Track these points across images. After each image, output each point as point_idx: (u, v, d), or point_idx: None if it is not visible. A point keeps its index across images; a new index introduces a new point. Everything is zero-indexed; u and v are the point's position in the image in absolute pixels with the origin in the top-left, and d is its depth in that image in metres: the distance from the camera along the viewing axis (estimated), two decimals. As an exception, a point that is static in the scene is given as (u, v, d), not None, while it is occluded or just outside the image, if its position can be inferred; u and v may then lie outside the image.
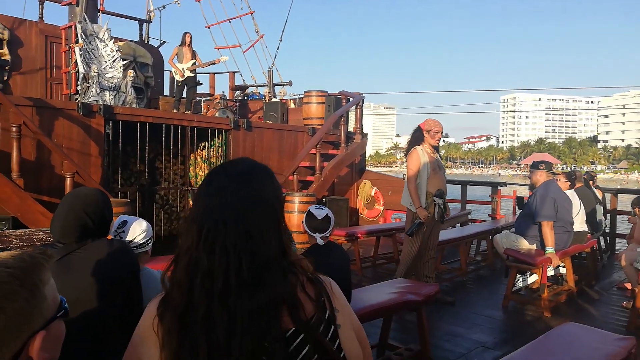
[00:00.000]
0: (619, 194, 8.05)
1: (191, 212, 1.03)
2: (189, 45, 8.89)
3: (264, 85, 11.87)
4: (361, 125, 9.28)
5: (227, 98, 10.58)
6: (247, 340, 0.93)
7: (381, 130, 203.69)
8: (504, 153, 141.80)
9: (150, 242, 2.12)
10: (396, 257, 6.48)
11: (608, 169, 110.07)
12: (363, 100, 9.36)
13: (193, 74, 8.96)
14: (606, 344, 2.35)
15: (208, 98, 11.19)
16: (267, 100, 10.98)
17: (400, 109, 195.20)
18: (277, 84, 11.87)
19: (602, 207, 7.05)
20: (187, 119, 7.52)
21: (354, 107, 9.19)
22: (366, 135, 9.54)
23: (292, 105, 10.86)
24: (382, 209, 9.41)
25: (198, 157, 8.39)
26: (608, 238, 7.83)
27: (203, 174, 8.07)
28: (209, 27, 12.63)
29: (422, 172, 4.55)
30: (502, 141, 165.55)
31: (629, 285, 5.48)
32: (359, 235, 6.18)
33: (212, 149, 8.02)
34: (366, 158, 10.51)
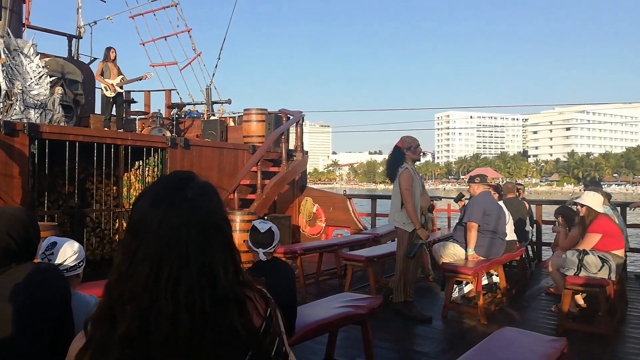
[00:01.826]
0: (543, 205, 8.60)
1: (140, 248, 0.90)
2: (113, 60, 8.64)
3: (202, 104, 11.69)
4: (302, 143, 9.34)
5: (163, 116, 10.31)
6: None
7: (317, 148, 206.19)
8: (441, 168, 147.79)
9: (82, 265, 1.99)
10: (339, 272, 6.52)
11: (541, 182, 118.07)
12: (303, 117, 9.45)
13: (122, 90, 8.72)
14: (541, 346, 2.48)
15: (143, 116, 10.84)
16: (206, 119, 10.80)
17: (335, 126, 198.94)
18: (216, 102, 11.73)
19: (529, 217, 7.49)
20: (120, 137, 7.22)
21: (295, 124, 9.25)
22: (307, 152, 9.60)
23: (232, 123, 10.75)
24: (324, 225, 9.46)
25: (132, 177, 8.06)
26: (535, 247, 8.32)
27: (137, 194, 7.74)
28: (143, 44, 12.32)
29: (415, 190, 4.61)
30: (438, 157, 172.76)
31: (553, 290, 5.85)
32: (301, 252, 6.16)
33: (147, 168, 7.74)
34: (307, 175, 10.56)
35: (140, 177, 7.88)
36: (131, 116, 10.80)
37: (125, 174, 8.01)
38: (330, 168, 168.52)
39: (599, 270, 4.54)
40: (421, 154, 4.89)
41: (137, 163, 7.81)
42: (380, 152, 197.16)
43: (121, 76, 8.66)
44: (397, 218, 4.72)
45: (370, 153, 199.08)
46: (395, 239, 8.07)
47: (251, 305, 0.97)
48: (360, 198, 11.24)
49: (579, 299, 5.02)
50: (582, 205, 4.91)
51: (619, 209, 6.94)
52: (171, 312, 0.86)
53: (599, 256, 4.59)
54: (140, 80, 9.01)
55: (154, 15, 12.34)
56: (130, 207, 1.03)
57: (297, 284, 5.29)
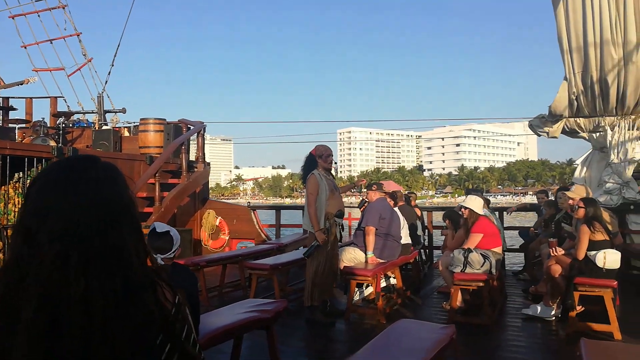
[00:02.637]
0: (433, 212, 9.28)
1: (42, 231, 0.85)
2: None
3: (93, 112, 10.94)
4: (203, 154, 9.14)
5: (48, 125, 9.49)
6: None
7: (219, 162, 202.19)
8: (345, 182, 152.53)
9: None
10: (243, 283, 6.45)
11: (437, 193, 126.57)
12: (205, 128, 9.26)
13: None
14: (433, 333, 2.69)
15: (24, 125, 9.87)
16: (97, 128, 10.13)
17: (237, 139, 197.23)
18: (109, 111, 11.05)
19: (420, 223, 8.04)
20: (-4, 147, 6.52)
21: (196, 135, 9.03)
22: (209, 164, 9.40)
23: (127, 134, 10.20)
24: (227, 238, 9.28)
25: (11, 190, 7.29)
26: (427, 250, 8.92)
27: (16, 209, 7.02)
28: (25, 47, 11.29)
29: (321, 194, 4.77)
30: (341, 171, 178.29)
31: (443, 289, 6.32)
32: (203, 264, 6.01)
33: (28, 181, 7.05)
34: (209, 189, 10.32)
35: (20, 191, 7.15)
36: (10, 124, 9.79)
37: (3, 187, 7.24)
38: (234, 183, 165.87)
39: (481, 266, 5.02)
40: (331, 163, 5.11)
41: (16, 175, 7.09)
42: (283, 167, 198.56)
43: (-4, 80, 7.86)
44: (305, 221, 4.90)
45: (273, 167, 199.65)
46: (300, 247, 8.26)
47: (160, 292, 0.95)
48: (264, 209, 11.22)
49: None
50: (465, 208, 5.40)
51: (497, 213, 7.78)
52: (81, 295, 0.82)
53: (481, 253, 5.07)
54: (20, 85, 8.25)
55: (39, 16, 11.38)
56: (15, 216, 0.95)
57: (199, 296, 5.16)
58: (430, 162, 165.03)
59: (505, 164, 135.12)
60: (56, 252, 0.83)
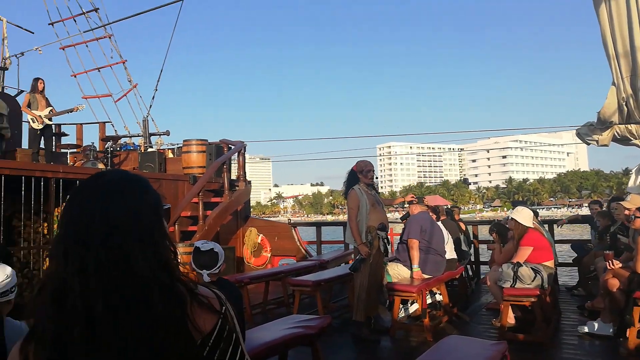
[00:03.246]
0: (479, 225, 9.01)
1: (56, 235, 0.97)
2: (41, 92, 8.33)
3: (138, 136, 11.37)
4: (244, 172, 9.28)
5: (97, 149, 9.92)
6: (145, 355, 0.88)
7: (258, 181, 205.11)
8: (386, 197, 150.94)
9: (14, 290, 1.86)
10: (286, 300, 6.44)
11: (485, 207, 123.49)
12: (245, 147, 9.43)
13: (50, 122, 8.36)
14: (484, 350, 2.58)
15: (74, 150, 10.37)
16: (143, 151, 10.51)
17: (275, 158, 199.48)
18: (154, 134, 11.46)
19: (466, 238, 7.82)
20: (50, 170, 6.84)
21: (237, 154, 9.20)
22: (250, 182, 9.54)
23: (171, 155, 10.52)
24: (269, 255, 9.34)
25: (65, 212, 7.63)
26: (474, 266, 8.65)
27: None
28: (75, 76, 11.91)
29: (362, 208, 4.82)
30: (382, 187, 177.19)
31: (492, 305, 6.08)
32: (247, 281, 6.04)
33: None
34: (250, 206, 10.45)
35: (72, 212, 7.46)
36: (62, 150, 10.31)
37: (57, 209, 7.58)
38: (274, 201, 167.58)
39: (532, 281, 4.80)
40: (372, 178, 5.13)
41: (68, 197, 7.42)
42: (322, 184, 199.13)
43: (50, 108, 8.32)
44: (347, 236, 4.92)
45: (312, 185, 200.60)
46: (342, 263, 8.20)
47: (194, 306, 0.96)
48: (305, 226, 11.25)
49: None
50: (513, 220, 5.21)
51: (546, 225, 7.44)
52: (80, 290, 0.89)
53: (531, 267, 4.86)
54: (71, 112, 8.66)
55: (87, 46, 12.02)
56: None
57: (244, 312, 5.19)
58: (476, 175, 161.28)
59: (556, 175, 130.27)
60: (62, 252, 0.92)
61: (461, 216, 8.39)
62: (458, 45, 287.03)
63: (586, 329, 4.88)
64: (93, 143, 9.97)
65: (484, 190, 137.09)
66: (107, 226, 0.93)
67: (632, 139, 7.81)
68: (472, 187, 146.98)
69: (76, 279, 0.89)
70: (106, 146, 10.31)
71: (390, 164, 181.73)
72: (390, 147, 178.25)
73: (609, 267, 4.87)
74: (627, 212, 5.46)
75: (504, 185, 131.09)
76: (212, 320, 0.97)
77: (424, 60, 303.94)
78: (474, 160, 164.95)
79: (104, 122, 11.21)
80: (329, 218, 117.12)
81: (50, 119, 8.33)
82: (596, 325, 4.84)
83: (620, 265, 4.86)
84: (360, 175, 5.06)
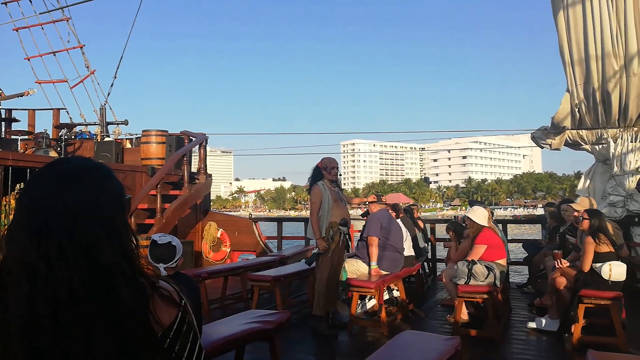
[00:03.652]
0: (436, 224, 9.22)
1: (15, 219, 0.93)
2: None
3: (95, 124, 10.99)
4: (205, 165, 9.12)
5: (50, 137, 9.51)
6: (110, 345, 0.87)
7: (219, 175, 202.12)
8: (350, 194, 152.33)
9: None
10: (245, 295, 6.38)
11: (445, 206, 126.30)
12: (207, 140, 9.26)
13: None
14: (438, 344, 2.64)
15: (26, 137, 9.90)
16: (99, 140, 10.15)
17: (237, 151, 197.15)
18: (111, 123, 11.09)
19: (423, 235, 7.98)
20: (-1, 157, 6.52)
21: (197, 147, 9.03)
22: (210, 175, 9.39)
23: (129, 145, 10.21)
24: (228, 250, 9.24)
25: (13, 200, 7.27)
26: (431, 263, 8.84)
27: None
28: (29, 59, 11.37)
29: (324, 204, 4.89)
30: (345, 184, 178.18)
31: (447, 301, 6.24)
32: (205, 275, 5.95)
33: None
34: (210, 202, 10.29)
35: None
36: (12, 136, 9.81)
37: (5, 198, 7.23)
38: (236, 195, 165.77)
39: (486, 278, 4.96)
40: (336, 175, 5.18)
41: (17, 186, 7.08)
42: (284, 179, 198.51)
43: (-2, 92, 7.90)
44: (308, 231, 4.97)
45: (274, 180, 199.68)
46: (302, 259, 8.20)
47: (156, 303, 0.95)
48: (266, 221, 11.19)
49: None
50: (469, 219, 5.36)
51: (500, 225, 7.70)
52: (45, 278, 0.87)
53: (485, 265, 5.02)
54: (21, 96, 8.28)
55: (42, 28, 11.48)
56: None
57: (201, 307, 5.11)
58: (437, 175, 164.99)
59: (512, 177, 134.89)
60: (28, 240, 0.90)
61: (422, 214, 8.56)
62: (424, 43, 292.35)
63: (535, 325, 5.08)
64: (46, 130, 9.53)
65: (445, 190, 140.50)
66: (67, 215, 0.91)
67: (583, 143, 8.20)
68: (432, 186, 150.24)
69: (42, 263, 0.87)
70: (60, 134, 9.90)
71: (353, 161, 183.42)
72: (354, 144, 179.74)
73: (557, 266, 5.10)
74: (576, 213, 5.72)
75: (464, 185, 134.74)
76: (173, 314, 0.97)
77: (389, 60, 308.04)
78: (435, 160, 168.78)
79: (59, 109, 10.74)
80: (292, 213, 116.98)
81: None
82: (544, 321, 5.04)
83: (568, 264, 5.09)
84: (325, 172, 5.13)
